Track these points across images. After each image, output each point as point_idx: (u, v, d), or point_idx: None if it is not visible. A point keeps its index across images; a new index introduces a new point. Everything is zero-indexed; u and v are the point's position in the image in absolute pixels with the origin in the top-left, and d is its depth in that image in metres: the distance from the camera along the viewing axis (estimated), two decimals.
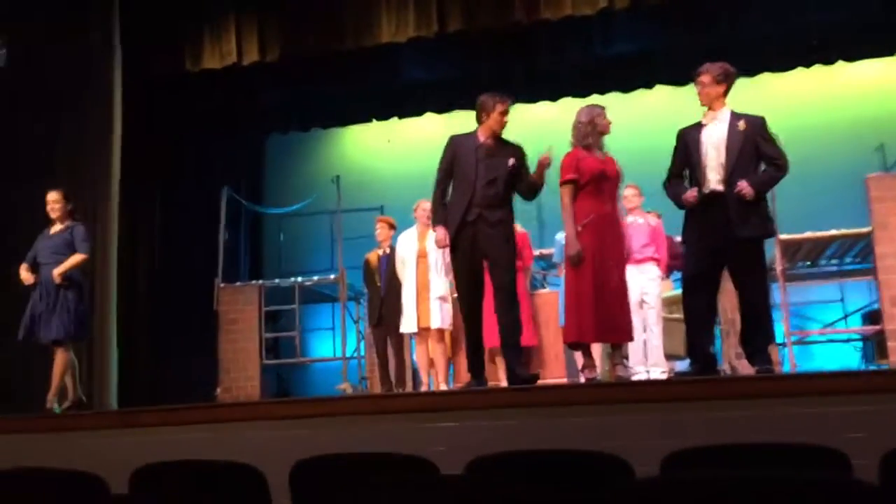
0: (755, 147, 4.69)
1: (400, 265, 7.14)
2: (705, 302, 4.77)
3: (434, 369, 7.04)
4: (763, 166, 4.74)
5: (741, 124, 4.69)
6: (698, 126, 4.84)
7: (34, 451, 4.58)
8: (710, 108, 4.82)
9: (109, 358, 7.87)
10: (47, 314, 6.01)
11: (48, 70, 8.11)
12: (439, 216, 5.18)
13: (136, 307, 9.11)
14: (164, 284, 9.45)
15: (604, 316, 4.81)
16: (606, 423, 3.73)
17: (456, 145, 5.22)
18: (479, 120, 5.22)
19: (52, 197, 6.27)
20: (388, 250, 7.54)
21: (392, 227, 7.65)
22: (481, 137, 5.17)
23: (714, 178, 4.69)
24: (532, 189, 5.14)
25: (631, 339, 5.08)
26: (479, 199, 5.03)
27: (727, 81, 4.80)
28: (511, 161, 5.07)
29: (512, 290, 5.07)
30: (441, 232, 5.11)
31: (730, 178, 4.64)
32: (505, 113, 5.15)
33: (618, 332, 4.92)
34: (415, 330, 6.92)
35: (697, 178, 4.74)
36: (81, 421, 4.99)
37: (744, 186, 4.56)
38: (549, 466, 2.49)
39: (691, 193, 4.69)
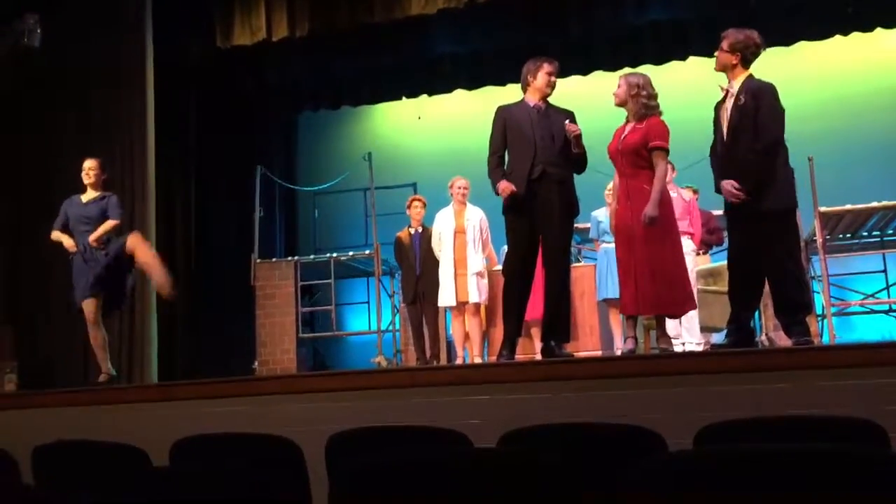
0: (754, 118, 4.51)
1: (436, 241, 7.21)
2: (743, 275, 4.70)
3: (469, 342, 7.10)
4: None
5: (742, 97, 4.56)
6: (722, 99, 4.75)
7: (76, 424, 4.68)
8: (728, 78, 4.69)
9: (150, 333, 8.01)
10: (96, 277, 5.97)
11: (81, 48, 8.19)
12: (498, 176, 5.08)
13: (174, 283, 9.23)
14: (202, 260, 9.57)
15: (630, 293, 4.78)
16: (640, 396, 3.72)
17: (506, 113, 5.17)
18: (526, 86, 5.18)
19: (90, 164, 6.26)
20: (419, 228, 7.62)
21: (425, 205, 7.73)
22: (531, 101, 5.14)
23: (722, 154, 4.67)
24: (578, 158, 5.05)
25: (650, 313, 4.99)
26: (542, 155, 4.99)
27: (744, 52, 4.61)
28: (567, 120, 5.01)
29: (564, 269, 5.07)
30: (503, 184, 5.00)
31: (728, 153, 4.58)
32: (552, 74, 5.11)
33: (638, 306, 4.83)
34: (453, 304, 7.00)
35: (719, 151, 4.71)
36: (123, 394, 5.09)
37: (725, 189, 4.51)
38: (582, 440, 2.49)
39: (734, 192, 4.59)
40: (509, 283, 5.13)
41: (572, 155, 5.00)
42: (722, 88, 4.73)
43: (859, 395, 3.40)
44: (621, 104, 4.95)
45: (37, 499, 2.05)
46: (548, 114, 5.09)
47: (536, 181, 4.98)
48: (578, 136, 4.93)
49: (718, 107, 4.75)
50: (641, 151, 4.82)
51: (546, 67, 5.11)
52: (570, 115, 5.09)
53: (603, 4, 8.71)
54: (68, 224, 6.13)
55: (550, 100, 5.22)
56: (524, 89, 5.21)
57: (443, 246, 7.13)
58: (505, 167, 5.13)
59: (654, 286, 4.72)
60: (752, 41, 4.65)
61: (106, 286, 5.97)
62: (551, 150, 4.99)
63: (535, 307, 5.61)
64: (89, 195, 6.20)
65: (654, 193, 4.75)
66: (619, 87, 4.96)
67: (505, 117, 5.15)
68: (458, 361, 7.19)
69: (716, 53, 4.74)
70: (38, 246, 7.92)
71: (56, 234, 6.10)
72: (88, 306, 5.92)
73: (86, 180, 6.21)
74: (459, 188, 7.19)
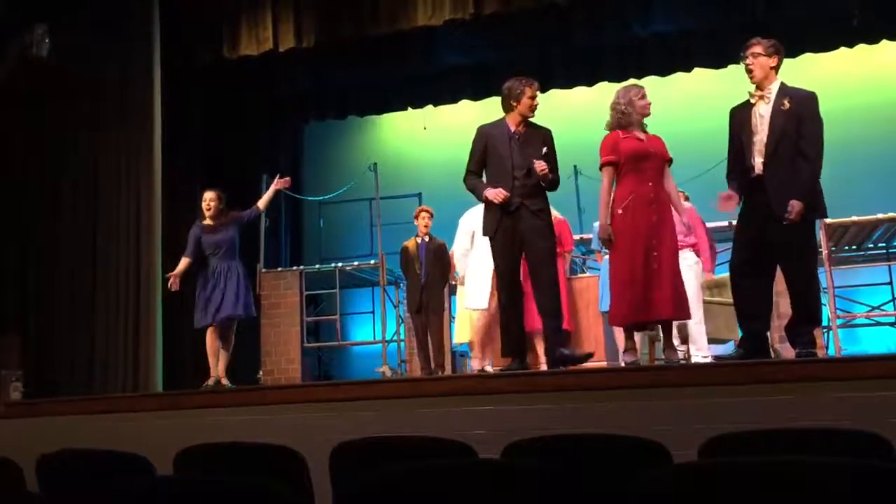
0: (798, 125, 4.52)
1: (466, 240, 7.03)
2: (753, 287, 4.65)
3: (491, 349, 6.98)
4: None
5: (786, 102, 4.54)
6: (747, 105, 4.69)
7: (81, 433, 4.69)
8: (759, 86, 4.65)
9: (155, 341, 8.01)
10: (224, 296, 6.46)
11: (90, 56, 8.24)
12: (482, 185, 5.12)
13: (180, 291, 9.24)
14: None
15: (640, 299, 4.72)
16: (645, 407, 3.72)
17: (487, 135, 5.17)
18: (507, 107, 5.13)
19: (210, 195, 6.59)
20: (426, 238, 7.59)
21: (432, 216, 7.69)
22: (512, 126, 5.12)
23: (758, 162, 4.59)
24: (550, 182, 5.08)
25: (671, 317, 4.91)
26: (520, 188, 5.00)
27: (778, 55, 4.65)
28: (544, 149, 5.04)
29: (553, 283, 5.07)
30: (491, 191, 5.00)
31: (770, 161, 4.52)
32: (534, 97, 5.10)
33: (656, 310, 4.77)
34: (485, 306, 6.77)
35: (747, 160, 4.62)
36: (127, 403, 5.10)
37: (794, 210, 4.43)
38: (586, 451, 2.49)
39: (729, 202, 4.62)
40: (501, 300, 5.22)
41: (545, 184, 5.04)
42: (754, 94, 4.67)
43: (865, 407, 3.39)
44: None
45: None
46: (527, 139, 5.08)
47: (514, 213, 5.01)
48: (545, 176, 4.96)
49: (742, 112, 4.70)
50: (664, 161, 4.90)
51: (528, 92, 5.08)
52: (547, 137, 5.10)
53: (609, 16, 8.72)
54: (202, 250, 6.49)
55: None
56: (506, 109, 5.15)
57: (475, 243, 6.88)
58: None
59: (678, 289, 4.75)
60: (781, 46, 4.70)
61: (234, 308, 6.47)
62: (529, 181, 5.01)
63: (536, 318, 5.60)
64: (213, 222, 6.50)
65: (679, 205, 4.91)
66: (642, 98, 4.96)
67: (486, 138, 5.15)
68: (475, 365, 7.05)
69: (749, 61, 4.65)
70: (44, 253, 7.97)
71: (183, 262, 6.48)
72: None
73: (208, 213, 6.52)
74: None
